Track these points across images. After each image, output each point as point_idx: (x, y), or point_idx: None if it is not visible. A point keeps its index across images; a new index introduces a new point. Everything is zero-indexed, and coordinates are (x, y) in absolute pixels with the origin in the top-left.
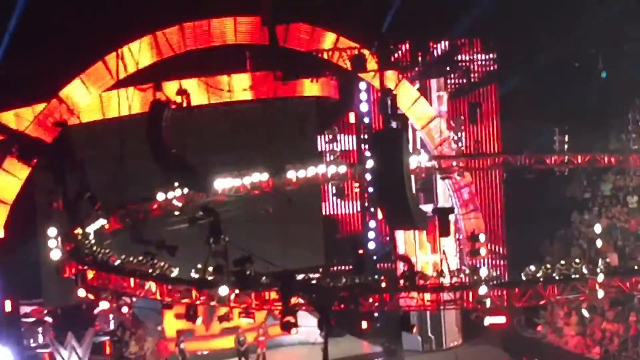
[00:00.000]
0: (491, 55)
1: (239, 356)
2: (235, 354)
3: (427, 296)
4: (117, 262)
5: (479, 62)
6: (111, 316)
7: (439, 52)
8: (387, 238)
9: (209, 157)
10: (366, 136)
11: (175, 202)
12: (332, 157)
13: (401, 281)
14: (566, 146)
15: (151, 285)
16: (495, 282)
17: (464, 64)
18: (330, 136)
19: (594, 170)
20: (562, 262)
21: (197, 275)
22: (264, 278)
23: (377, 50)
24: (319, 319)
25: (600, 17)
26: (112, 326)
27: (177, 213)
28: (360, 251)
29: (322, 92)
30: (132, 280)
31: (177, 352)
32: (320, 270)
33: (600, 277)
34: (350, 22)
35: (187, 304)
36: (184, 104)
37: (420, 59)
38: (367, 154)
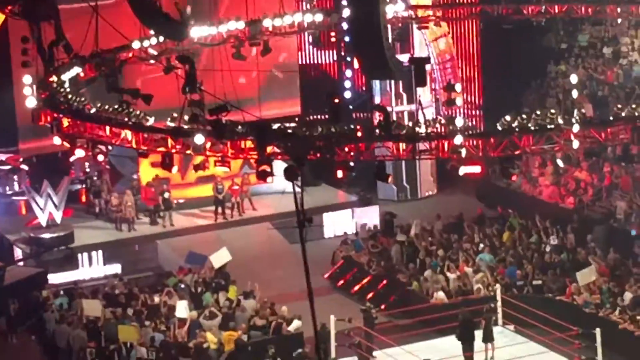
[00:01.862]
0: None
1: (217, 204)
2: (212, 202)
3: (403, 145)
4: (93, 110)
5: None
6: (87, 164)
7: None
8: (364, 88)
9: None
10: None
11: (150, 50)
12: (308, 5)
13: (377, 130)
14: None
15: (127, 133)
16: (470, 131)
17: None
18: None
19: (571, 20)
20: (538, 112)
21: (172, 124)
22: (239, 127)
23: None
24: (285, 168)
25: None
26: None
27: (152, 62)
28: (337, 100)
29: None
30: (107, 128)
31: (161, 202)
32: (296, 119)
33: (576, 128)
34: None
35: (162, 152)
36: None
37: None
38: (344, 2)
